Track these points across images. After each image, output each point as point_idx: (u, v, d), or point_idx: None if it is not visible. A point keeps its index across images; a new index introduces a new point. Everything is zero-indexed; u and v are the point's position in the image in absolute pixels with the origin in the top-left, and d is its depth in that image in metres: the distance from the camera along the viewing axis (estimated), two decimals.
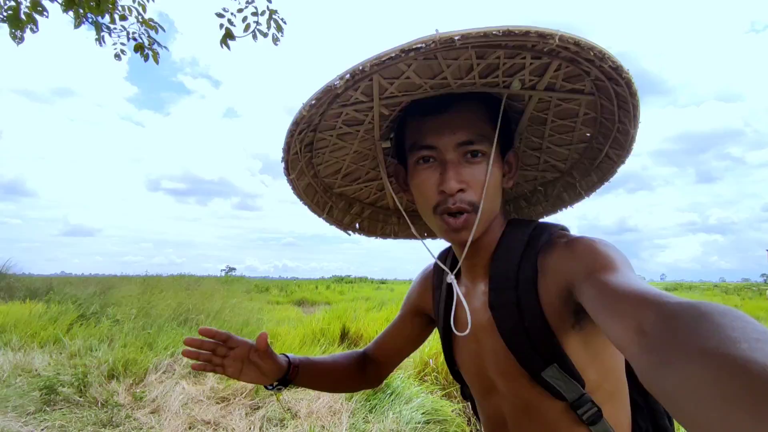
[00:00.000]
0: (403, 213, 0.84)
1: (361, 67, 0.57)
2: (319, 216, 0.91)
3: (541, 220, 0.80)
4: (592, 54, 0.57)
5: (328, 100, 0.64)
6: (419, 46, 0.53)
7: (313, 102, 0.62)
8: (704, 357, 0.30)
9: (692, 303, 0.37)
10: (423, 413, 3.60)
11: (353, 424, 3.37)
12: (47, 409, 3.67)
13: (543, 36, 0.54)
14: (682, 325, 0.35)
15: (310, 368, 0.91)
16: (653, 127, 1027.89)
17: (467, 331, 0.70)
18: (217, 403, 3.73)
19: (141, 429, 3.29)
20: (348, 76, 0.58)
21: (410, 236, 0.99)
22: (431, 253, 0.83)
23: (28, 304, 7.86)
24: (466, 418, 3.87)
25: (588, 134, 0.78)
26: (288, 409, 3.60)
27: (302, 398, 3.83)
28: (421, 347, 5.18)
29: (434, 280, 0.87)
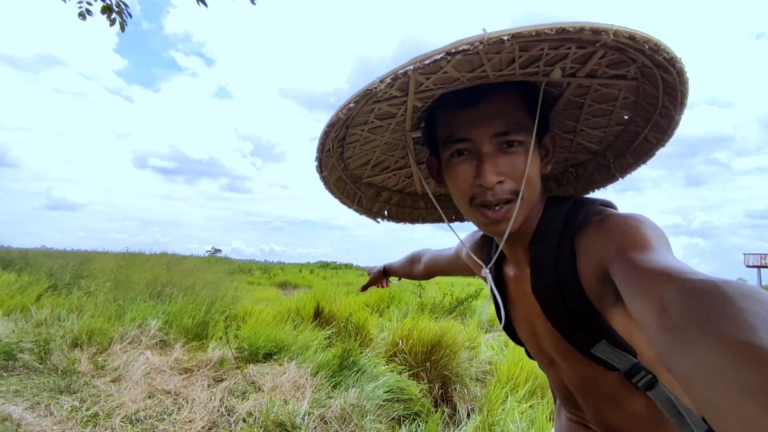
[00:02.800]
0: (432, 197, 0.84)
1: (403, 71, 0.55)
2: (350, 207, 0.91)
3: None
4: (646, 47, 0.56)
5: (365, 100, 0.63)
6: (466, 48, 0.52)
7: (351, 105, 0.61)
8: (721, 343, 0.30)
9: (715, 282, 0.36)
10: (387, 391, 3.60)
11: (316, 399, 3.36)
12: (3, 374, 3.60)
13: (598, 32, 0.52)
14: (702, 306, 0.34)
15: (392, 271, 1.38)
16: None
17: (501, 326, 0.76)
18: (180, 374, 3.70)
19: (99, 396, 3.24)
20: (389, 80, 0.56)
21: (438, 220, 1.00)
22: (459, 238, 0.84)
23: (1, 273, 7.71)
24: (432, 399, 3.89)
25: (626, 117, 0.76)
26: (252, 382, 3.58)
27: (267, 372, 3.81)
28: (392, 327, 5.18)
29: (483, 253, 0.88)
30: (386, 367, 4.08)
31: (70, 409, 3.04)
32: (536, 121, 0.66)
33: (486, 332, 6.05)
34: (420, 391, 3.81)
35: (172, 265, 9.09)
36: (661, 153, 0.75)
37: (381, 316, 7.02)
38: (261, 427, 2.82)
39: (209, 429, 2.91)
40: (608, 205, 0.69)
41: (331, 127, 0.65)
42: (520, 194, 0.65)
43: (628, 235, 0.56)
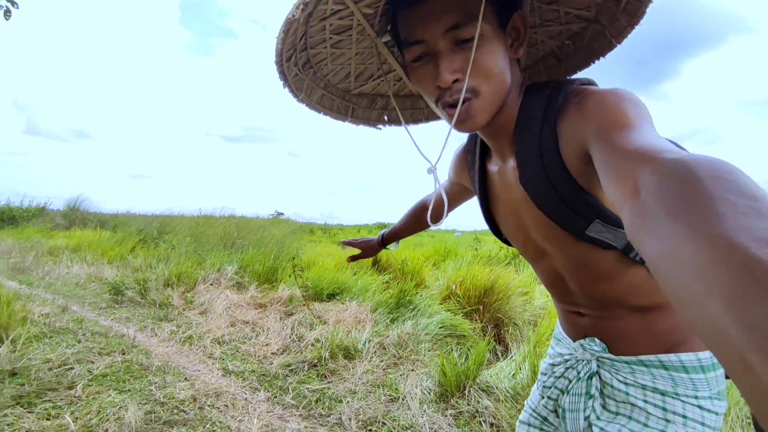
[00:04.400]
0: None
1: None
2: (344, 120, 0.90)
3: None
4: None
5: (298, 25, 0.62)
6: None
7: (282, 36, 0.62)
8: (688, 234, 0.29)
9: (687, 162, 0.35)
10: (441, 327, 3.87)
11: (375, 330, 3.69)
12: (115, 306, 4.26)
13: None
14: (672, 192, 0.33)
15: (392, 236, 1.33)
16: (738, 74, 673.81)
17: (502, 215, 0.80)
18: (256, 308, 4.18)
19: (190, 324, 3.78)
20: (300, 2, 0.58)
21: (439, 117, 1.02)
22: (415, 144, 0.78)
23: (99, 232, 8.79)
24: (484, 337, 4.11)
25: None
26: (318, 317, 3.97)
27: (330, 309, 4.19)
28: (446, 274, 5.38)
29: (467, 160, 0.88)
30: (440, 307, 4.33)
31: (169, 332, 3.58)
32: (482, 4, 0.60)
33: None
34: (473, 330, 4.04)
35: (241, 225, 9.84)
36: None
37: (437, 268, 7.27)
38: (327, 350, 3.18)
39: (282, 351, 3.32)
40: (589, 83, 0.67)
41: (280, 57, 0.68)
42: (482, 88, 0.63)
43: (607, 113, 0.54)
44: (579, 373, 0.80)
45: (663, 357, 0.70)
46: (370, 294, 4.61)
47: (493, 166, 0.78)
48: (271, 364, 3.08)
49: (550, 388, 0.87)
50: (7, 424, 1.97)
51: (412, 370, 3.06)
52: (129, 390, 2.44)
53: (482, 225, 1.05)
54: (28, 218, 11.49)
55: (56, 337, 3.12)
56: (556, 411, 0.86)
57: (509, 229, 0.81)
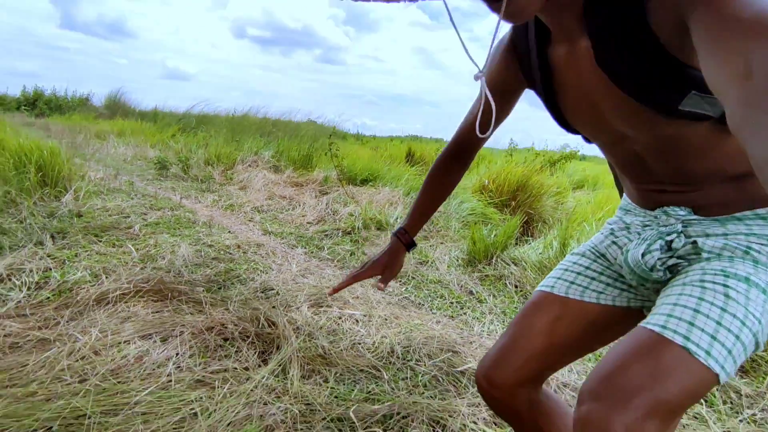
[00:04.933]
0: None
1: None
2: None
3: None
4: None
5: None
6: None
7: None
8: None
9: None
10: (471, 213, 3.94)
11: (407, 209, 3.79)
12: (161, 178, 4.50)
13: None
14: None
15: (421, 223, 1.00)
16: None
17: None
18: (292, 186, 4.33)
19: (231, 196, 3.98)
20: None
21: None
22: (463, 44, 0.68)
23: (140, 122, 9.03)
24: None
25: None
26: (352, 197, 4.10)
27: (364, 192, 4.30)
28: (478, 171, 5.34)
29: (518, 50, 0.76)
30: (472, 196, 4.37)
31: (211, 200, 3.80)
32: None
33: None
34: (502, 221, 4.09)
35: (276, 123, 9.90)
36: None
37: (469, 172, 7.24)
38: (360, 220, 3.32)
39: (318, 221, 3.49)
40: None
41: None
42: None
43: None
44: (660, 231, 0.72)
45: (760, 210, 0.64)
46: (402, 182, 4.68)
47: (556, 51, 0.68)
48: (307, 230, 3.25)
49: (610, 245, 0.83)
50: (81, 247, 2.21)
51: (442, 243, 3.18)
52: (180, 234, 2.66)
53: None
54: (73, 107, 11.90)
55: (111, 194, 3.36)
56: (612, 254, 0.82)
57: (579, 117, 0.72)
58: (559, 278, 0.84)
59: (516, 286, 2.50)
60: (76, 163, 3.66)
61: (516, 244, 3.26)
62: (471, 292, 2.37)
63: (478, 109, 0.79)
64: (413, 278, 2.49)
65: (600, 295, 0.80)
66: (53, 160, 3.04)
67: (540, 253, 2.94)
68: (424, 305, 2.15)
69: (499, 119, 0.86)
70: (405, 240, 0.96)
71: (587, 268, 0.83)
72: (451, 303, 2.21)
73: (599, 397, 0.55)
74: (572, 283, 0.82)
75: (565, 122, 0.75)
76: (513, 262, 2.76)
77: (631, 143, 0.69)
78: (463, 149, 0.94)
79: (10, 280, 1.84)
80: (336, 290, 0.96)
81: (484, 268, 2.71)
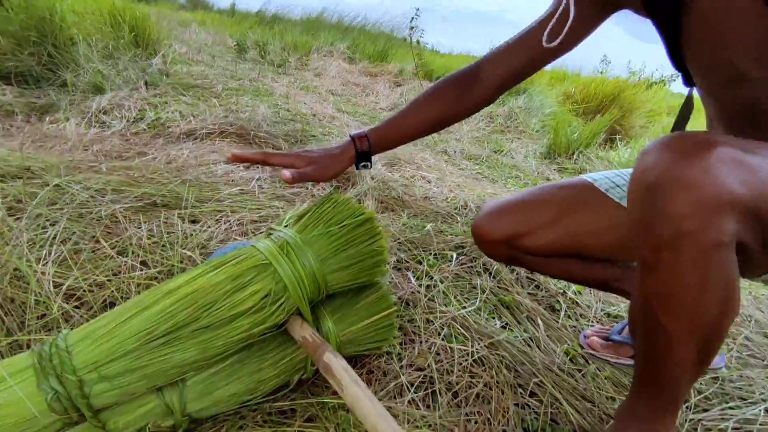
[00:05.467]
0: None
1: None
2: None
3: None
4: None
5: None
6: None
7: None
8: None
9: None
10: (551, 118, 3.68)
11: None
12: (239, 61, 4.56)
13: None
14: None
15: (389, 139, 0.78)
16: None
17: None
18: (366, 76, 4.23)
19: (306, 80, 3.96)
20: None
21: None
22: None
23: (217, 13, 9.09)
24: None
25: None
26: None
27: None
28: (563, 85, 4.88)
29: None
30: (554, 103, 4.05)
31: (287, 82, 3.81)
32: None
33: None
34: None
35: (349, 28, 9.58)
36: None
37: (551, 88, 6.70)
38: None
39: (391, 108, 3.42)
40: None
41: None
42: None
43: None
44: None
45: None
46: None
47: None
48: (380, 114, 3.20)
49: None
50: (171, 96, 2.33)
51: (518, 138, 3.02)
52: (259, 99, 2.72)
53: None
54: None
55: (194, 64, 3.46)
56: None
57: (698, 45, 0.61)
58: (608, 177, 0.78)
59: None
60: (164, 31, 3.76)
61: (599, 149, 3.03)
62: (548, 178, 2.26)
63: (550, 15, 0.69)
64: (486, 161, 2.40)
65: None
66: (144, 22, 3.13)
67: (627, 158, 2.71)
68: (498, 181, 2.08)
69: (578, 35, 0.71)
70: (360, 145, 0.75)
71: None
72: (526, 183, 2.13)
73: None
74: (618, 186, 0.76)
75: (677, 52, 0.64)
76: (597, 159, 2.58)
77: (750, 87, 0.60)
78: (490, 71, 0.75)
79: (112, 112, 1.99)
80: (239, 158, 0.71)
81: (563, 161, 2.55)
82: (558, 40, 0.69)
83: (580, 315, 1.08)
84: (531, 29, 0.73)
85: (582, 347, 0.96)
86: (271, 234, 0.74)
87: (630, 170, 0.74)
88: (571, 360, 0.92)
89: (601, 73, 7.25)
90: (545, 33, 0.68)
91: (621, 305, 1.14)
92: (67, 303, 0.75)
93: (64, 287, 0.77)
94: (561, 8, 0.68)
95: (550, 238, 0.78)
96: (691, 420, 0.78)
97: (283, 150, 1.81)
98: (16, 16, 2.36)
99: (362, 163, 0.77)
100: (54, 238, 0.84)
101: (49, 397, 0.53)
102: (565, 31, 0.67)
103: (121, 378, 0.56)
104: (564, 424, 0.74)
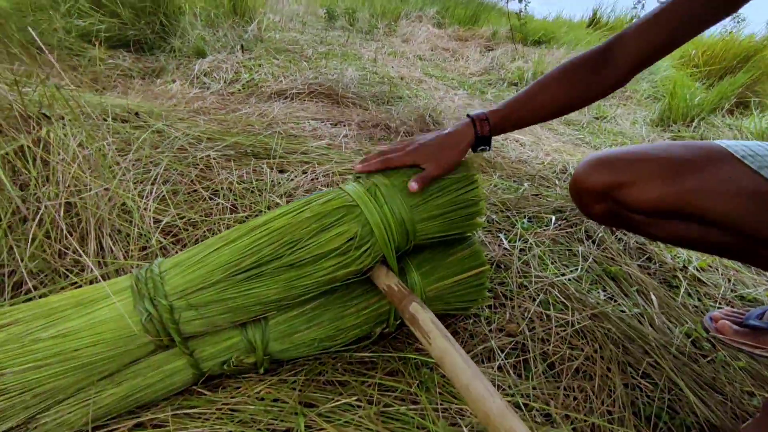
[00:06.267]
0: None
1: None
2: None
3: None
4: None
5: None
6: None
7: None
8: None
9: None
10: (663, 84, 3.22)
11: None
12: (328, 29, 4.59)
13: None
14: None
15: (510, 121, 0.71)
16: None
17: None
18: (457, 40, 4.04)
19: (394, 45, 3.88)
20: None
21: None
22: None
23: None
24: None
25: None
26: (522, 55, 3.66)
27: (536, 52, 3.80)
28: (686, 48, 4.30)
29: None
30: (672, 67, 3.56)
31: (375, 48, 3.75)
32: None
33: None
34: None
35: None
36: None
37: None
38: (530, 72, 2.96)
39: (482, 73, 3.22)
40: None
41: None
42: None
43: None
44: None
45: None
46: (582, 44, 4.01)
47: None
48: (470, 79, 3.03)
49: None
50: (264, 59, 2.39)
51: (624, 104, 2.70)
52: (348, 63, 2.70)
53: None
54: None
55: (286, 31, 3.53)
56: None
57: None
58: (746, 145, 0.66)
59: None
60: (259, 0, 3.88)
61: (727, 116, 2.60)
62: None
63: None
64: (587, 127, 2.17)
65: None
66: None
67: (766, 127, 2.29)
68: (600, 148, 1.87)
69: (716, 8, 0.60)
70: (481, 129, 0.69)
71: None
72: None
73: None
74: (758, 155, 0.64)
75: None
76: (725, 127, 2.21)
77: None
78: (621, 50, 0.66)
79: (212, 74, 2.08)
80: (362, 171, 0.68)
81: (680, 129, 2.23)
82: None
83: (705, 294, 0.92)
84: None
85: (707, 331, 0.82)
86: (359, 177, 0.70)
87: None
88: (693, 343, 0.78)
89: (731, 33, 6.26)
90: None
91: (760, 288, 0.95)
92: (165, 238, 0.78)
93: (163, 223, 0.80)
94: None
95: (664, 191, 0.64)
96: None
97: (371, 110, 1.77)
98: None
99: (480, 147, 0.71)
100: (155, 178, 0.88)
101: (144, 318, 0.54)
102: None
103: (207, 308, 0.56)
104: (686, 414, 0.63)
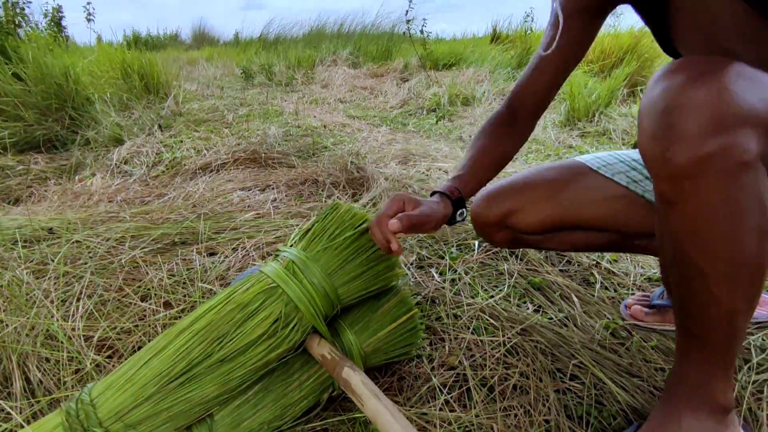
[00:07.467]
0: None
1: None
2: None
3: None
4: None
5: None
6: None
7: None
8: None
9: None
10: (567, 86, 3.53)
11: (495, 84, 3.51)
12: (247, 88, 4.66)
13: None
14: None
15: (471, 186, 0.77)
16: None
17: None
18: (372, 77, 4.22)
19: (314, 93, 3.99)
20: None
21: None
22: None
23: (222, 46, 9.35)
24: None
25: None
26: (436, 81, 3.88)
27: (448, 75, 4.04)
28: None
29: None
30: None
31: (296, 98, 3.85)
32: None
33: None
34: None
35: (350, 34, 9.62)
36: None
37: None
38: (445, 97, 3.14)
39: (401, 105, 3.38)
40: None
41: None
42: None
43: None
44: None
45: None
46: (488, 60, 4.31)
47: None
48: (391, 113, 3.17)
49: None
50: (185, 135, 2.40)
51: None
52: (269, 121, 2.76)
53: None
54: (166, 44, 12.67)
55: (205, 99, 3.56)
56: None
57: (686, 34, 0.63)
58: (598, 157, 0.78)
59: (623, 139, 2.23)
60: (172, 73, 3.89)
61: (621, 105, 2.87)
62: (571, 146, 2.16)
63: (553, 26, 0.71)
64: None
65: (634, 183, 0.73)
66: (152, 69, 3.25)
67: None
68: (517, 159, 2.01)
69: (580, 44, 0.73)
70: (453, 194, 0.73)
71: (635, 160, 0.76)
72: (548, 155, 2.04)
73: None
74: (609, 164, 0.76)
75: (668, 42, 0.66)
76: (620, 117, 2.44)
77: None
78: (521, 106, 0.79)
79: (132, 160, 2.06)
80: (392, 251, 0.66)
81: (584, 125, 2.44)
82: (554, 46, 0.70)
83: (618, 284, 1.02)
84: (540, 52, 0.75)
85: (624, 319, 0.90)
86: (278, 256, 0.73)
87: (621, 152, 0.79)
88: (612, 334, 0.86)
89: (614, 27, 6.93)
90: (553, 45, 0.69)
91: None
92: (99, 354, 0.77)
93: (95, 339, 0.79)
94: (551, 22, 0.72)
95: (545, 212, 0.76)
96: (755, 382, 0.71)
97: (297, 166, 1.82)
98: (35, 87, 2.50)
99: (458, 211, 0.75)
100: (80, 293, 0.87)
101: None
102: (558, 34, 0.68)
103: (146, 424, 0.57)
104: (611, 405, 0.69)
